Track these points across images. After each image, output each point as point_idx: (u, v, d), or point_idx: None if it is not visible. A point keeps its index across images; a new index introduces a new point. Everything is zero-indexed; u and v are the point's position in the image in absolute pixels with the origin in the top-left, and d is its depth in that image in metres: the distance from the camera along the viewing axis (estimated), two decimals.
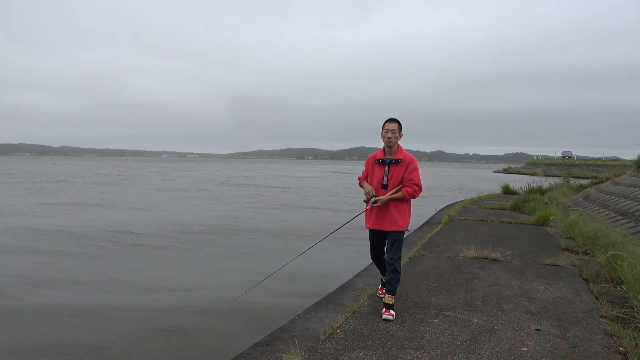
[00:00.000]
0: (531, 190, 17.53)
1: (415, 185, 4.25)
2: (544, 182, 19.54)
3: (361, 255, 9.11)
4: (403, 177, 4.25)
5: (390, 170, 4.29)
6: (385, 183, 4.30)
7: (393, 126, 4.28)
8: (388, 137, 4.27)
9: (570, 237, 8.59)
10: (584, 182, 21.17)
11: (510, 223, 10.76)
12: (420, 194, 4.31)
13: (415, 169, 4.27)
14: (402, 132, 4.36)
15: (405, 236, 4.48)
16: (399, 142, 4.39)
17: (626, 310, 4.39)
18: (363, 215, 4.54)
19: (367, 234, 4.61)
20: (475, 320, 4.17)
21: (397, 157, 4.30)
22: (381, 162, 4.36)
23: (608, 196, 12.78)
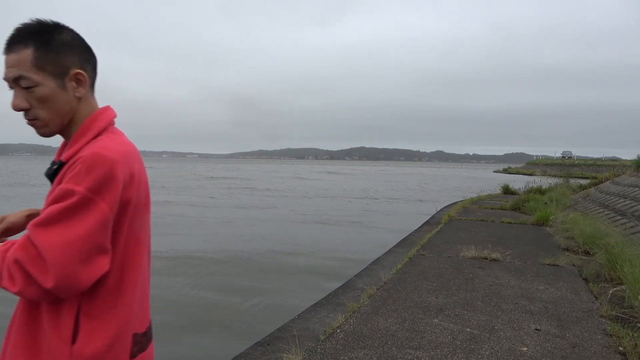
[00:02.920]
0: (531, 190, 17.55)
1: (28, 247, 1.08)
2: (543, 182, 19.56)
3: (361, 256, 9.12)
4: None
5: (53, 187, 1.21)
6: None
7: (14, 59, 1.19)
8: (16, 105, 1.21)
9: (570, 237, 8.59)
10: (583, 182, 21.19)
11: (510, 223, 10.76)
12: (52, 286, 1.05)
13: (64, 196, 1.10)
14: (83, 73, 1.26)
15: None
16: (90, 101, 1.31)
17: (626, 310, 4.39)
18: None
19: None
20: (475, 320, 4.18)
21: (67, 153, 1.23)
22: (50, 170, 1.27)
23: (608, 196, 12.79)
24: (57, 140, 1.34)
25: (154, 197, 1.42)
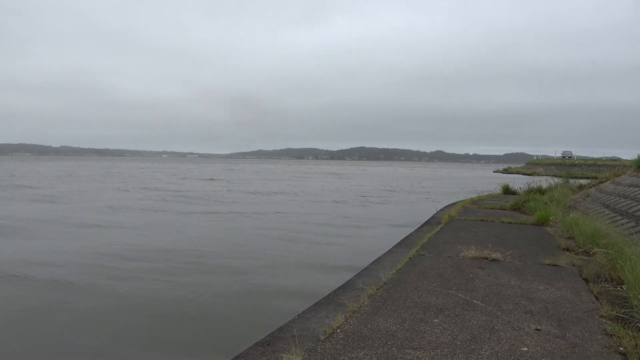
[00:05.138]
0: (531, 190, 17.54)
1: None
2: (543, 182, 19.54)
3: (361, 256, 9.11)
4: None
5: None
6: None
7: None
8: None
9: (570, 237, 8.59)
10: (583, 182, 21.18)
11: (510, 223, 10.75)
12: None
13: None
14: None
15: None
16: None
17: (626, 310, 4.39)
18: None
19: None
20: (475, 320, 4.17)
21: None
22: None
23: (608, 196, 12.78)
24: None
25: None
